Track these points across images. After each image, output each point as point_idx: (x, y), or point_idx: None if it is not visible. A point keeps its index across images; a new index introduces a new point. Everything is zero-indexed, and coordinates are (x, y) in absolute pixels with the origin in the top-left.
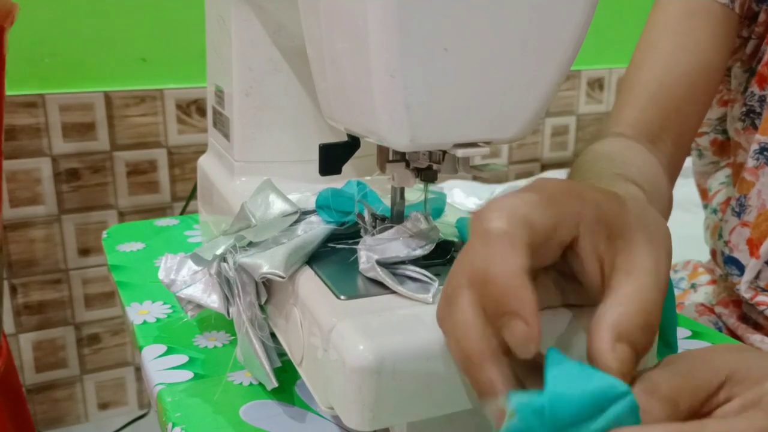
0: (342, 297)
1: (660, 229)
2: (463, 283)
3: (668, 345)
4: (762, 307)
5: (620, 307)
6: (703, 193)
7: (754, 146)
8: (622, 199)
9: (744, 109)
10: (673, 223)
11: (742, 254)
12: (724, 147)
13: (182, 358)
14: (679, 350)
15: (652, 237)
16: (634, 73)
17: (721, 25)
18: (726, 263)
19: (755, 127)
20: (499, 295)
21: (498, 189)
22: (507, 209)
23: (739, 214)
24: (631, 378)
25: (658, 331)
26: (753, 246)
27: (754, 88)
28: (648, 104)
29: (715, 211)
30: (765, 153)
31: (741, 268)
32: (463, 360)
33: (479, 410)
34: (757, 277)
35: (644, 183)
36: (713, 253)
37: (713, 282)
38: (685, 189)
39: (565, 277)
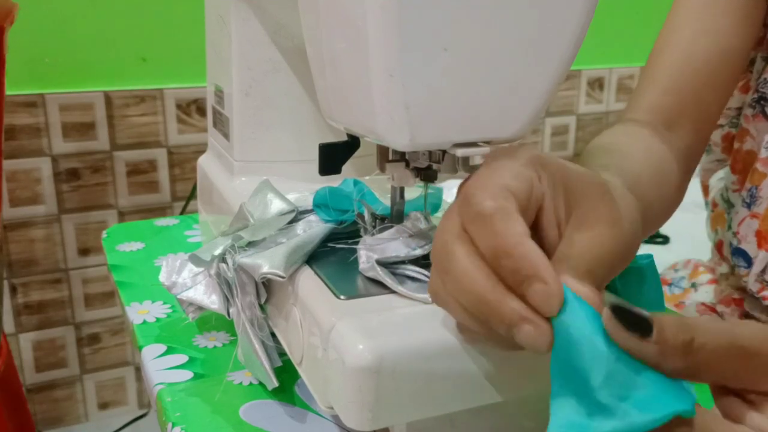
0: (342, 297)
1: (621, 209)
2: (453, 240)
3: None
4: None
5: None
6: (705, 191)
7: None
8: (588, 172)
9: (756, 95)
10: (674, 223)
11: (750, 246)
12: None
13: (182, 358)
14: None
15: (612, 208)
16: (654, 59)
17: (745, 11)
18: (733, 255)
19: (765, 115)
20: (515, 265)
21: None
22: (490, 186)
23: (749, 205)
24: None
25: None
26: (762, 238)
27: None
28: (667, 89)
29: (708, 205)
30: None
31: (748, 260)
32: (479, 303)
33: (478, 410)
34: (764, 270)
35: (644, 169)
36: (719, 244)
37: (714, 281)
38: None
39: None
